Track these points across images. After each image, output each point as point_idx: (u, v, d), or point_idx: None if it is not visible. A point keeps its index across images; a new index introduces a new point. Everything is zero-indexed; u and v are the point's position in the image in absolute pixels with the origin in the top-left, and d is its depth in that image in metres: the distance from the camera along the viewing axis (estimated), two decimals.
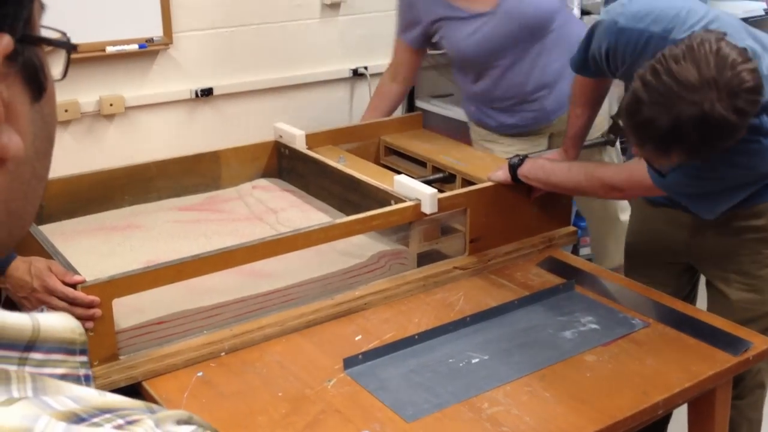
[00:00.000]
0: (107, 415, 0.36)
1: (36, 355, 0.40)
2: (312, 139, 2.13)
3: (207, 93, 2.50)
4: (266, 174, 2.15)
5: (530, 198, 1.86)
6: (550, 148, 2.26)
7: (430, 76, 2.97)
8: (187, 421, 0.38)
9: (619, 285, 1.75)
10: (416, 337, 1.53)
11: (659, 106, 1.33)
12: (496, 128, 2.26)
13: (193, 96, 2.49)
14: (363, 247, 1.73)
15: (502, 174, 1.81)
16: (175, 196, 2.01)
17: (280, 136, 2.15)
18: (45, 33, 0.45)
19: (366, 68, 2.76)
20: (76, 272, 1.40)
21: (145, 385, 1.40)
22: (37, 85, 0.42)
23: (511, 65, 2.14)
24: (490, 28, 2.09)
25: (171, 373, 1.43)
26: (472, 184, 1.89)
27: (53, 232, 1.72)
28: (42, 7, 0.44)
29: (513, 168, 1.79)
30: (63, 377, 0.40)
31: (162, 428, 0.37)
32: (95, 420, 0.35)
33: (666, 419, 1.90)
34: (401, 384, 1.41)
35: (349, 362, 1.45)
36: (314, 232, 1.59)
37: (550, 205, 1.91)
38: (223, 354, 1.47)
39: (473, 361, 1.47)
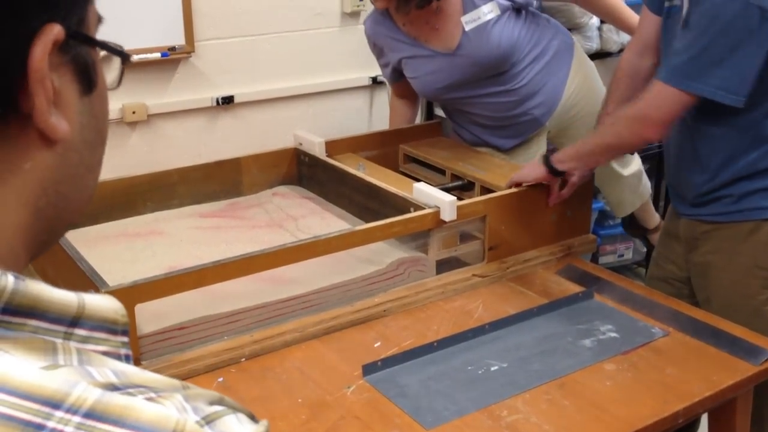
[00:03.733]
0: (141, 389, 0.38)
1: (80, 331, 0.42)
2: (331, 147, 2.14)
3: (228, 101, 2.53)
4: (286, 181, 2.17)
5: (548, 205, 1.85)
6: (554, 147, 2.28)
7: None
8: (218, 402, 0.40)
9: (639, 293, 1.75)
10: (435, 344, 1.53)
11: None
12: (496, 146, 2.25)
13: (215, 104, 2.52)
14: (382, 254, 1.74)
15: (532, 171, 1.76)
16: (196, 203, 2.03)
17: (300, 144, 2.17)
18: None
19: None
20: (99, 278, 1.41)
21: None
22: (87, 79, 0.45)
23: (488, 95, 2.13)
24: (452, 67, 2.08)
25: (192, 378, 1.44)
26: (491, 191, 1.90)
27: (77, 239, 1.74)
28: (99, 18, 0.47)
29: (546, 158, 1.74)
30: (105, 354, 0.42)
31: (191, 404, 0.38)
32: (130, 390, 0.38)
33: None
34: (420, 391, 1.41)
35: (369, 369, 1.45)
36: (334, 239, 1.60)
37: (570, 213, 1.91)
38: (243, 360, 1.49)
39: (492, 368, 1.48)
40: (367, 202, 1.92)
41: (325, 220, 1.94)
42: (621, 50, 2.81)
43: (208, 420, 0.38)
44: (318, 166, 2.11)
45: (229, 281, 1.50)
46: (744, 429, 1.56)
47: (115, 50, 0.48)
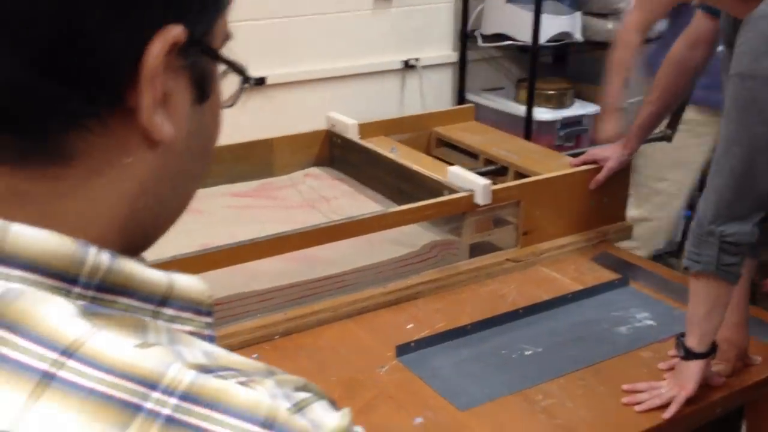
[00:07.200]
0: (232, 372, 0.37)
1: (168, 311, 0.42)
2: (364, 129, 2.13)
3: (260, 82, 2.52)
4: (318, 163, 2.16)
5: (590, 187, 1.83)
6: None
7: (481, 69, 2.96)
8: (303, 388, 0.39)
9: (675, 282, 1.72)
10: (468, 327, 1.52)
11: None
12: None
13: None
14: (415, 236, 1.73)
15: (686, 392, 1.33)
16: (228, 183, 2.03)
17: (333, 126, 2.16)
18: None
19: (417, 60, 2.76)
20: None
21: None
22: (201, 89, 0.44)
23: None
24: None
25: None
26: (525, 176, 1.88)
27: None
28: (228, 35, 0.46)
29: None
30: (190, 334, 0.42)
31: (282, 389, 0.38)
32: (222, 373, 0.37)
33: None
34: (453, 373, 1.40)
35: (402, 350, 1.45)
36: (368, 219, 1.60)
37: (606, 200, 1.88)
38: (277, 337, 1.49)
39: (526, 353, 1.46)
40: (400, 185, 1.91)
41: (358, 202, 1.93)
42: None
43: (299, 407, 0.38)
44: (350, 148, 2.10)
45: (263, 260, 1.50)
46: None
47: (236, 68, 0.46)
